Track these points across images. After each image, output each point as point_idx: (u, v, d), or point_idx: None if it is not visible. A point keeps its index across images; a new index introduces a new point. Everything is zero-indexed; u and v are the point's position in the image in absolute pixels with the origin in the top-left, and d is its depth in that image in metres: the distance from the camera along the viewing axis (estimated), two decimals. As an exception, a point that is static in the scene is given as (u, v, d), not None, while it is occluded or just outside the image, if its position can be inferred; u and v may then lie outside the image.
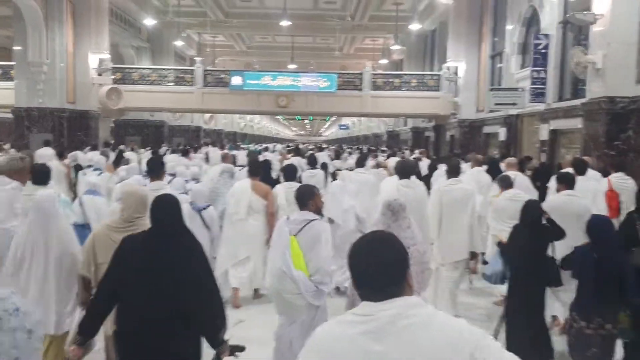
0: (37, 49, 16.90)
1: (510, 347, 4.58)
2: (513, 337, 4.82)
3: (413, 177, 6.37)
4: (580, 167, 7.41)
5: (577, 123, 11.27)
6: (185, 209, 4.94)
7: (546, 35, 12.84)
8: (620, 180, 7.27)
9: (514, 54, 15.32)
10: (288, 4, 22.83)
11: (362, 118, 45.46)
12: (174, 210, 3.31)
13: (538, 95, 12.91)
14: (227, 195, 6.92)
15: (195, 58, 22.90)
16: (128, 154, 12.77)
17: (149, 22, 21.61)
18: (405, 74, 22.08)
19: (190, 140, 29.69)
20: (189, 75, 21.62)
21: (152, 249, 3.18)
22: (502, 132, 15.82)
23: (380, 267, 1.72)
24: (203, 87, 21.43)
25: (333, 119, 68.26)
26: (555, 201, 5.79)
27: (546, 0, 13.22)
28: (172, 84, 21.51)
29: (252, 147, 27.50)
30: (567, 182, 5.89)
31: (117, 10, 22.52)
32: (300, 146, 25.36)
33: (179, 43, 25.46)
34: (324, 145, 32.05)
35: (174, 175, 8.51)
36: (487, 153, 16.44)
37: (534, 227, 4.87)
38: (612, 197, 7.11)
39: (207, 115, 34.93)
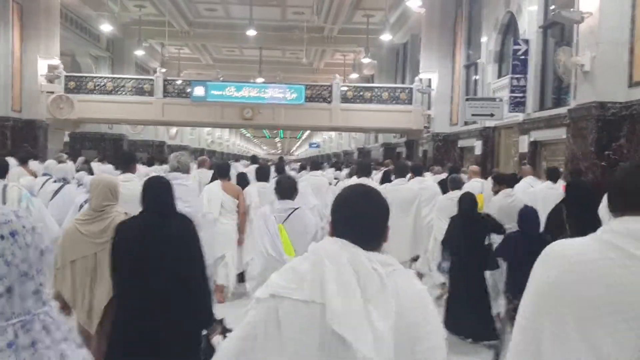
0: (-23, 52, 15.52)
1: (455, 329, 5.34)
2: (457, 319, 5.40)
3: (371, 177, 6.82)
4: (554, 175, 7.85)
5: (560, 133, 10.44)
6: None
7: (525, 41, 12.06)
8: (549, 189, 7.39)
9: (490, 63, 14.56)
10: (255, 14, 21.88)
11: (333, 135, 44.72)
12: (166, 190, 3.44)
13: (517, 104, 12.10)
14: (200, 196, 6.99)
15: (157, 68, 21.65)
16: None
17: (106, 28, 20.31)
18: (377, 87, 21.25)
19: (153, 155, 28.39)
20: (148, 85, 20.39)
21: (149, 228, 3.27)
22: (478, 146, 14.98)
23: (367, 217, 1.77)
24: (163, 98, 20.22)
25: (305, 136, 67.61)
26: (497, 202, 6.45)
27: (524, 5, 12.48)
28: (130, 94, 20.24)
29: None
30: (506, 183, 6.67)
31: (73, 16, 21.21)
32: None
33: (139, 53, 24.23)
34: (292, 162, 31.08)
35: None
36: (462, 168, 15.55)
37: (469, 217, 5.59)
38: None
39: (173, 130, 33.64)
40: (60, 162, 11.80)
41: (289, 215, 4.43)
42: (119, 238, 3.32)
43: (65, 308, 3.71)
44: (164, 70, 26.31)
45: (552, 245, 1.68)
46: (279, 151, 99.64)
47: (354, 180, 6.77)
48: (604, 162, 8.80)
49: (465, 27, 17.00)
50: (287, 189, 4.60)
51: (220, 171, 7.41)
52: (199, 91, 20.17)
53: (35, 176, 10.16)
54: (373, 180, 7.10)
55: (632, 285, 1.46)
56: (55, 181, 7.98)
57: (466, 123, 16.02)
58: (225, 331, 3.34)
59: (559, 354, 1.52)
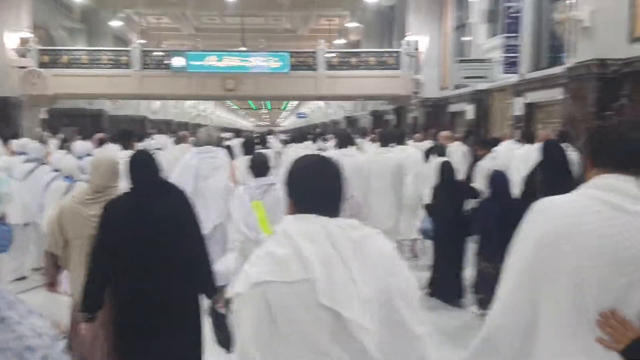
0: (-60, 26, 14.64)
1: (438, 290, 5.86)
2: (440, 279, 5.86)
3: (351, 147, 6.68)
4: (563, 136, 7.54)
5: (556, 94, 9.93)
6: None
7: (519, -2, 11.43)
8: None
9: (482, 23, 13.91)
10: (235, -22, 21.01)
11: (321, 104, 43.93)
12: (151, 165, 3.31)
13: (511, 65, 11.53)
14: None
15: (134, 39, 20.76)
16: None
17: (77, -3, 19.35)
18: (363, 52, 20.55)
19: (135, 130, 27.61)
20: (125, 57, 19.54)
21: (140, 206, 3.18)
22: (470, 110, 14.44)
23: (324, 185, 1.77)
24: (141, 70, 19.40)
25: (292, 106, 66.72)
26: (485, 165, 6.72)
27: (517, -41, 11.81)
28: (107, 67, 19.40)
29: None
30: (488, 146, 7.19)
31: (43, -14, 20.23)
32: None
33: (116, 24, 23.27)
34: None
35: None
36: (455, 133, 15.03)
37: (448, 185, 5.91)
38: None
39: (156, 104, 32.77)
40: (42, 142, 11.48)
41: (265, 192, 4.43)
42: (109, 217, 3.19)
43: (52, 285, 3.73)
44: (143, 41, 25.46)
45: (540, 203, 1.76)
46: (267, 123, 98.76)
47: (338, 151, 6.49)
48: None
49: (454, -14, 16.30)
50: (260, 166, 4.60)
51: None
52: (178, 62, 19.39)
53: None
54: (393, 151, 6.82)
55: (621, 235, 1.60)
56: (27, 161, 7.60)
57: (457, 87, 15.44)
58: (228, 302, 3.26)
59: (554, 305, 1.67)
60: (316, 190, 1.76)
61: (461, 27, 16.08)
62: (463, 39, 16.00)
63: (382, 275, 1.67)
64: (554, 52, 11.05)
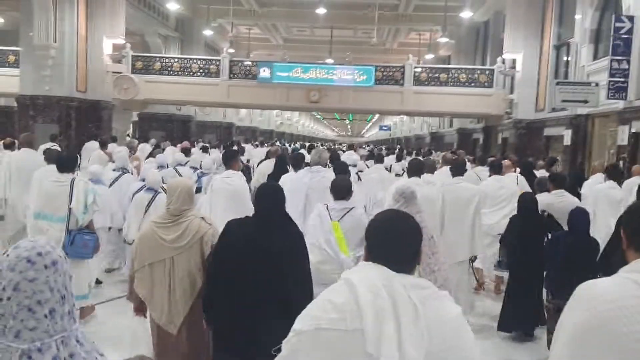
0: (44, 31, 15.30)
1: (513, 319, 5.91)
2: (515, 311, 5.87)
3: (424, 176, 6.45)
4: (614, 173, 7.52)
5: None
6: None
7: (630, 18, 10.42)
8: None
9: (585, 43, 12.90)
10: (326, -9, 20.84)
11: (404, 119, 43.18)
12: (278, 198, 3.47)
13: (618, 90, 10.52)
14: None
15: (224, 49, 21.06)
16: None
17: (173, 6, 19.80)
18: (453, 68, 19.72)
19: (221, 137, 28.11)
20: (214, 67, 19.83)
21: (259, 234, 3.28)
22: (567, 135, 13.42)
23: (400, 241, 1.83)
24: (229, 79, 19.61)
25: (375, 119, 66.26)
26: (546, 199, 6.47)
27: (631, -25, 10.83)
28: (197, 75, 19.77)
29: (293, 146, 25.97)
30: (557, 183, 6.65)
31: (141, -5, 20.95)
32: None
33: (208, 32, 23.72)
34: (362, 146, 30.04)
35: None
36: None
37: (529, 217, 5.87)
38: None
39: (243, 112, 33.31)
40: (130, 148, 11.83)
41: (344, 215, 4.53)
42: (228, 236, 3.40)
43: (139, 310, 3.84)
44: (232, 50, 25.86)
45: (581, 287, 1.83)
46: (349, 133, 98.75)
47: (407, 179, 6.27)
48: None
49: (556, 2, 15.29)
50: (341, 189, 4.67)
51: (294, 163, 7.40)
52: (264, 72, 19.44)
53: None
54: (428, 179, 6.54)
55: None
56: (114, 169, 8.07)
57: (554, 109, 14.44)
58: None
59: None
60: (390, 245, 1.83)
61: (562, 46, 15.06)
62: (564, 58, 14.97)
63: (438, 341, 1.70)
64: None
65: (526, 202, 5.93)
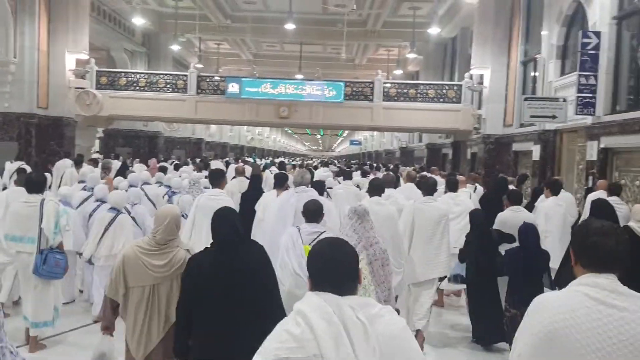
0: (3, 47, 14.76)
1: (475, 331, 6.45)
2: (477, 323, 6.36)
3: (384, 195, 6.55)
4: (555, 187, 8.34)
5: (639, 140, 8.92)
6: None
7: (597, 34, 10.48)
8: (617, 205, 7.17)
9: (552, 59, 12.98)
10: (295, 7, 20.68)
11: (375, 133, 43.30)
12: (233, 221, 3.48)
13: (586, 105, 10.54)
14: (256, 205, 7.08)
15: (192, 64, 20.74)
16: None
17: (139, 21, 19.42)
18: (422, 84, 19.75)
19: (190, 153, 27.66)
20: (182, 82, 19.49)
21: (221, 263, 3.32)
22: (535, 150, 13.44)
23: (339, 266, 2.00)
24: (197, 95, 19.29)
25: (345, 133, 66.42)
26: (501, 216, 6.81)
27: (595, -8, 10.92)
28: (163, 90, 19.39)
29: (261, 161, 25.73)
30: (513, 199, 6.95)
31: (106, 9, 20.51)
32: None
33: (175, 48, 23.37)
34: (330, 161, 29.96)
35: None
36: (517, 173, 14.05)
37: (482, 231, 6.31)
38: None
39: (213, 127, 32.90)
40: (105, 168, 11.60)
41: (316, 238, 4.48)
42: (193, 271, 3.39)
43: (106, 329, 3.83)
44: (201, 66, 25.55)
45: (537, 300, 2.13)
46: (320, 147, 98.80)
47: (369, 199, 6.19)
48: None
49: (523, 19, 15.41)
50: (313, 212, 4.72)
51: (278, 181, 7.45)
52: (233, 88, 19.19)
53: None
54: (438, 201, 6.77)
55: (605, 327, 1.97)
56: (84, 189, 8.20)
57: (522, 125, 14.49)
58: None
59: None
60: (330, 272, 1.97)
61: (529, 61, 15.15)
62: (531, 74, 15.07)
63: (388, 354, 1.87)
64: (635, 93, 10.04)
65: (474, 219, 6.40)
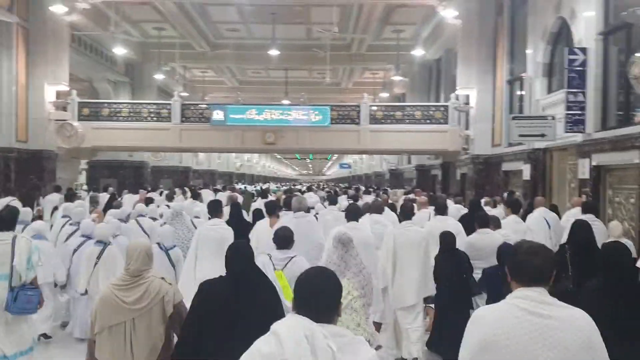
0: (-20, 79, 14.51)
1: (446, 354, 6.10)
2: (446, 342, 6.01)
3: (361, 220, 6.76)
4: (515, 206, 9.06)
5: (632, 157, 8.70)
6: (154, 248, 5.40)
7: (583, 50, 10.34)
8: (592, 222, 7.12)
9: (538, 77, 12.85)
10: (278, 33, 20.64)
11: (364, 156, 43.17)
12: (248, 255, 3.61)
13: (575, 123, 10.36)
14: (250, 234, 7.14)
15: (176, 93, 20.47)
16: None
17: (120, 51, 19.17)
18: (409, 106, 19.61)
19: (177, 182, 27.27)
20: (166, 110, 19.21)
21: (235, 293, 3.40)
22: (526, 170, 13.22)
23: (322, 295, 2.16)
24: (181, 123, 19.00)
25: (335, 157, 66.33)
26: (469, 239, 7.10)
27: (579, 9, 10.81)
28: (147, 120, 19.09)
29: (250, 187, 25.45)
30: (480, 222, 7.12)
31: (87, 40, 20.28)
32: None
33: (159, 77, 23.15)
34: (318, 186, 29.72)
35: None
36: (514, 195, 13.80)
37: (450, 253, 6.42)
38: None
39: (201, 155, 32.59)
40: (94, 201, 11.36)
41: (286, 264, 4.77)
42: (203, 297, 3.46)
43: None
44: (186, 94, 25.36)
45: (475, 313, 2.47)
46: (310, 172, 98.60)
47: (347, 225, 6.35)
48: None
49: (507, 38, 15.33)
50: (284, 239, 4.90)
51: (268, 208, 7.80)
52: (218, 115, 18.89)
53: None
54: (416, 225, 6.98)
55: (532, 333, 2.27)
56: (70, 223, 8.26)
57: (510, 144, 14.29)
58: None
59: None
60: (311, 299, 2.13)
61: (515, 80, 15.03)
62: (517, 93, 14.94)
63: None
64: (624, 109, 9.86)
65: (445, 239, 6.49)
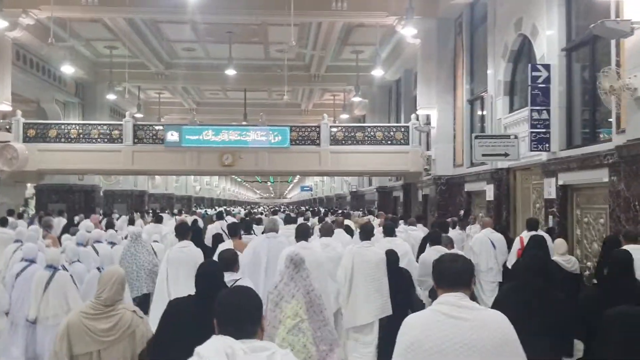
0: None
1: None
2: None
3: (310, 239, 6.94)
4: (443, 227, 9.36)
5: (601, 175, 8.41)
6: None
7: (546, 66, 10.11)
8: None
9: (500, 96, 12.63)
10: (235, 52, 20.10)
11: (325, 179, 42.77)
12: (218, 276, 3.75)
13: (540, 141, 10.06)
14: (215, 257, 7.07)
15: (127, 113, 19.63)
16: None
17: (68, 70, 18.26)
18: (369, 127, 19.30)
19: (133, 206, 26.19)
20: (117, 132, 18.37)
21: (204, 310, 3.23)
22: (489, 190, 12.92)
23: (241, 313, 2.19)
24: (133, 145, 18.18)
25: (296, 179, 65.81)
26: (423, 256, 7.50)
27: (541, 25, 10.62)
28: (97, 141, 18.21)
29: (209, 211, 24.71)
30: (433, 241, 7.62)
31: (34, 59, 19.31)
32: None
33: (111, 97, 22.23)
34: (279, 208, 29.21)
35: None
36: (470, 215, 13.49)
37: (393, 270, 6.67)
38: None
39: (158, 178, 31.58)
40: (47, 226, 10.87)
41: (232, 285, 4.62)
42: (173, 317, 3.51)
43: None
44: (141, 115, 24.47)
45: (405, 319, 2.70)
46: (272, 195, 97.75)
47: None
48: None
49: (467, 56, 15.15)
50: (227, 262, 4.87)
51: (231, 230, 8.04)
52: (172, 136, 18.17)
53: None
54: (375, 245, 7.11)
55: (450, 335, 2.50)
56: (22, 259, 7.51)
57: (473, 164, 14.01)
58: None
59: None
60: (231, 318, 2.19)
61: (475, 99, 14.83)
62: (478, 112, 14.73)
63: None
64: (590, 127, 9.63)
65: (390, 258, 6.62)
